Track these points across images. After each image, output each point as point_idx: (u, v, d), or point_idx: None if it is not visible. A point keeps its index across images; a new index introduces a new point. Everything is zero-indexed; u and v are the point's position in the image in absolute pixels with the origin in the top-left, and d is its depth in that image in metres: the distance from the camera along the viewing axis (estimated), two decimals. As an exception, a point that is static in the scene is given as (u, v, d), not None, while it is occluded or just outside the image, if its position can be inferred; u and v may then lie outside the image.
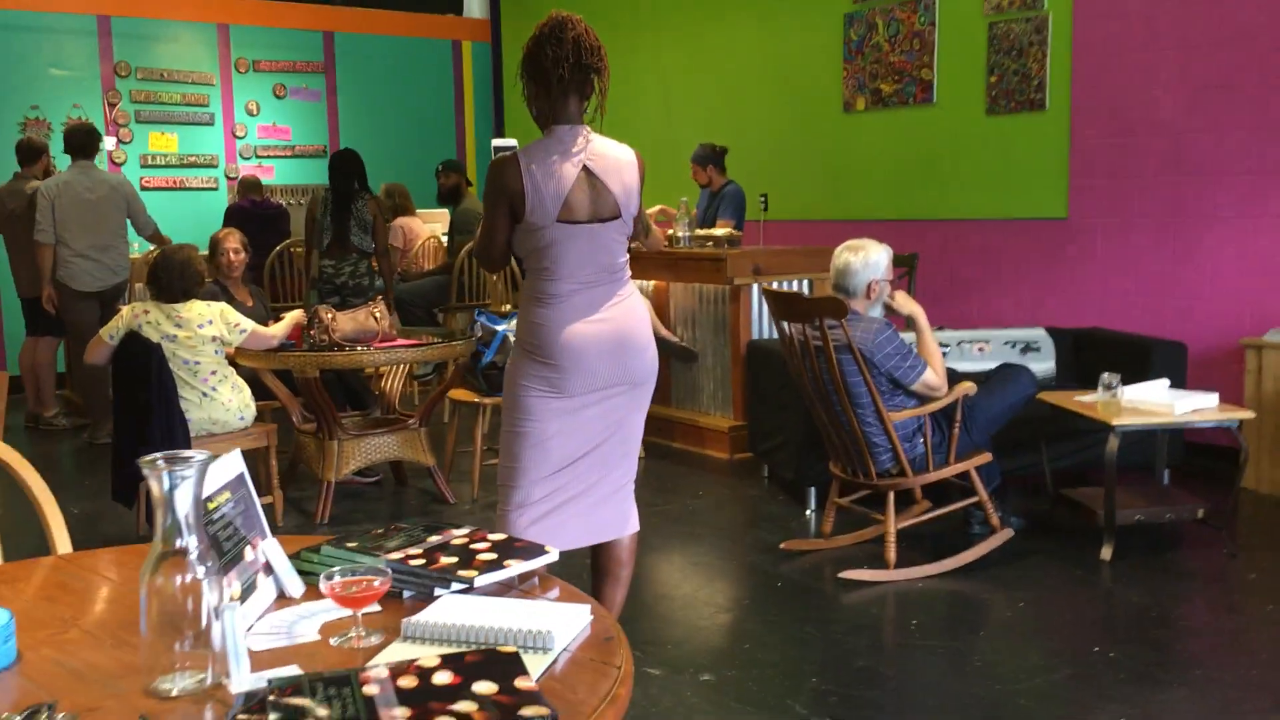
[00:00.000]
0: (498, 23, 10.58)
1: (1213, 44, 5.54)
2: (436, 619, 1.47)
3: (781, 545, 4.45)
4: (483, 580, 1.62)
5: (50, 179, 6.78)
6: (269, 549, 1.65)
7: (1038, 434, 4.73)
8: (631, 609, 3.60)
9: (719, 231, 6.41)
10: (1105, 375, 4.37)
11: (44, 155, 7.23)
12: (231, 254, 5.60)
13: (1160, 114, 5.77)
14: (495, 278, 6.95)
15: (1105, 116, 6.01)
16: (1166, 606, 3.87)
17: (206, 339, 4.68)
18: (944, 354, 4.81)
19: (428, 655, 1.34)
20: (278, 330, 4.89)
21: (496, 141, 3.54)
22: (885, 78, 7.12)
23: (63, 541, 2.19)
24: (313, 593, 1.64)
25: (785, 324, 4.16)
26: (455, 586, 1.60)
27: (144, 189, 8.95)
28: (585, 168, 2.89)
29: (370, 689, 1.23)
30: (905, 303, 4.19)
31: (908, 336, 4.30)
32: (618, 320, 2.93)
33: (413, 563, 1.66)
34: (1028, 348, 5.39)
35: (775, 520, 4.91)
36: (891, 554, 4.10)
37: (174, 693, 1.32)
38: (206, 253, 5.78)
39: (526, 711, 1.17)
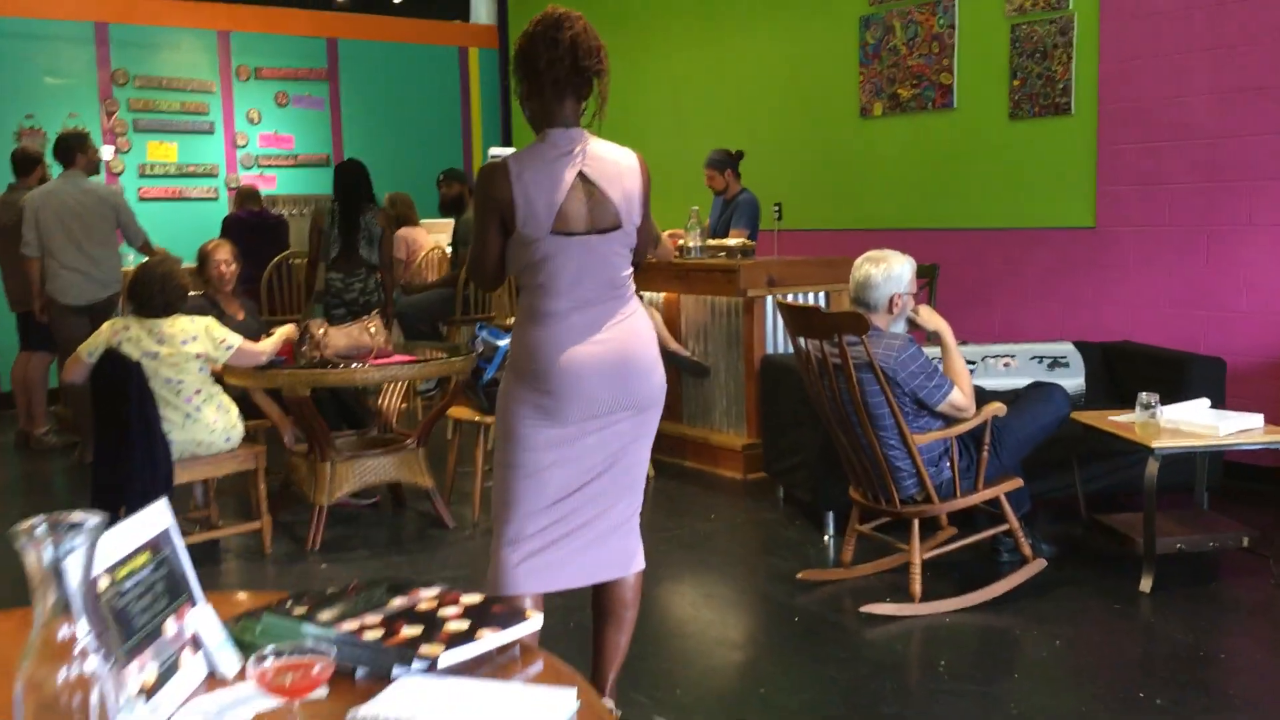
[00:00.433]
0: (505, 29, 10.36)
1: (1247, 44, 5.27)
2: (388, 712, 1.22)
3: (799, 575, 4.18)
4: (449, 657, 1.36)
5: (35, 190, 6.56)
6: (198, 619, 1.40)
7: (1069, 454, 4.46)
8: (638, 646, 3.34)
9: (732, 242, 6.15)
10: (1144, 395, 4.10)
11: (39, 165, 7.02)
12: (222, 266, 5.37)
13: (1192, 118, 5.50)
14: (500, 290, 6.71)
15: (1134, 121, 5.74)
16: (1213, 643, 3.59)
17: (190, 356, 4.44)
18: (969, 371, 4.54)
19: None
20: (266, 346, 4.65)
21: (494, 150, 3.29)
22: (903, 82, 6.87)
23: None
24: (250, 670, 1.39)
25: (802, 340, 3.90)
26: (416, 666, 1.35)
27: (142, 199, 8.75)
28: (581, 174, 2.65)
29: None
30: (930, 318, 3.93)
31: (931, 352, 4.04)
32: (620, 340, 2.68)
33: (368, 634, 1.41)
34: (1055, 363, 5.12)
35: (791, 546, 4.65)
36: (916, 586, 3.84)
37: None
38: (195, 265, 5.57)
39: None
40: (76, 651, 1.07)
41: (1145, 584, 3.95)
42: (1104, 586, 4.05)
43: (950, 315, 4.60)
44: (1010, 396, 4.22)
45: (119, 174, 8.69)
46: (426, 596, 1.55)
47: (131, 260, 7.41)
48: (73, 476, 6.35)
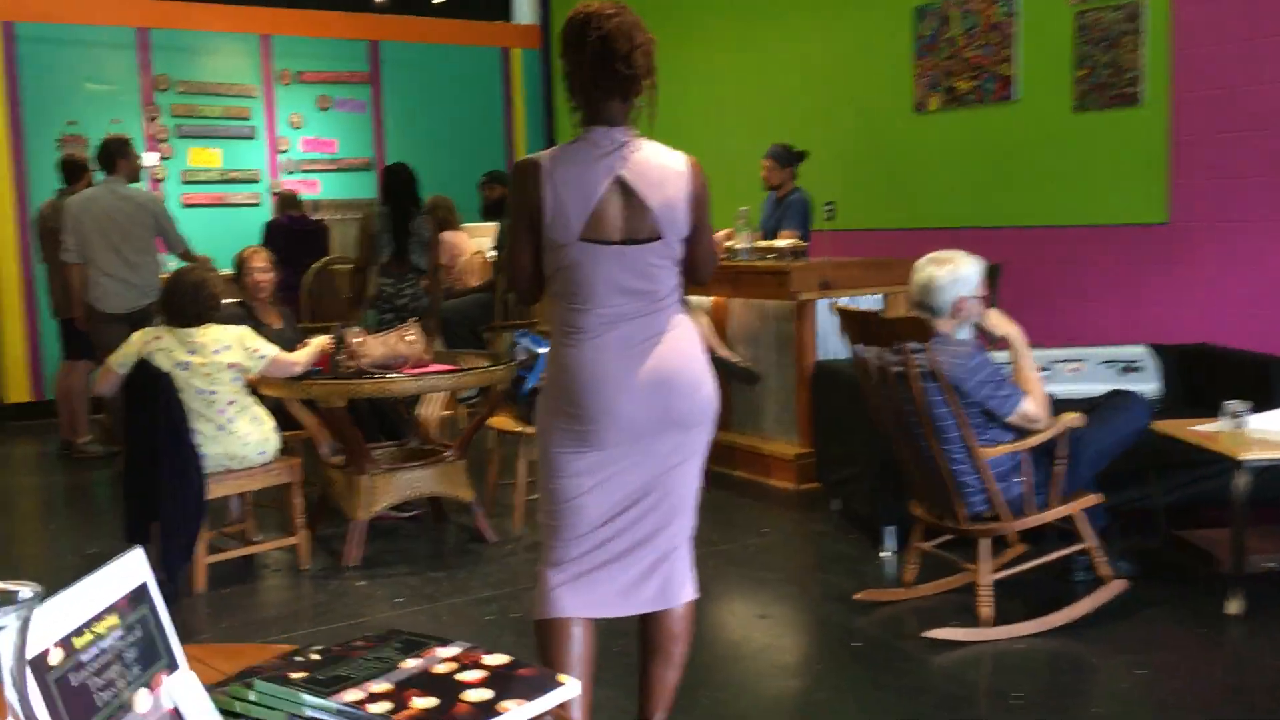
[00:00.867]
0: (547, 29, 10.19)
1: (1334, 27, 4.95)
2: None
3: (857, 596, 3.94)
4: (466, 737, 1.16)
5: (76, 195, 6.48)
6: (178, 689, 1.21)
7: (1147, 465, 4.19)
8: (688, 673, 3.13)
9: (782, 243, 5.93)
10: (1231, 403, 3.82)
11: (87, 172, 6.95)
12: (258, 273, 5.22)
13: (1271, 106, 5.19)
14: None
15: (1208, 110, 5.44)
16: (1311, 673, 3.32)
17: (223, 366, 4.30)
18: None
19: None
20: (301, 357, 4.49)
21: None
22: (961, 74, 6.59)
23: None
24: (238, 748, 1.20)
25: (860, 347, 3.67)
26: (426, 748, 1.14)
27: (185, 206, 8.68)
28: (620, 178, 2.44)
29: None
30: (1001, 322, 3.68)
31: (998, 356, 3.79)
32: (660, 358, 2.46)
33: (375, 706, 1.21)
34: (1129, 367, 4.84)
35: (848, 563, 4.41)
36: (985, 609, 3.58)
37: None
38: (232, 272, 5.44)
39: None
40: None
41: (1233, 606, 3.67)
42: (1188, 609, 3.78)
43: (1012, 317, 4.33)
44: (1082, 404, 3.95)
45: (162, 180, 8.62)
46: (444, 656, 1.35)
47: (172, 269, 7.32)
48: (114, 486, 6.23)
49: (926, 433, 3.53)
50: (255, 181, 8.99)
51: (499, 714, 1.20)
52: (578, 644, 2.53)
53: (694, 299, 5.99)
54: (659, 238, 2.44)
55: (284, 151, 9.12)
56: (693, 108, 8.45)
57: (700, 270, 2.60)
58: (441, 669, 1.31)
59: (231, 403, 4.34)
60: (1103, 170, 5.93)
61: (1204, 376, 4.80)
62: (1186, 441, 3.84)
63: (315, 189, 9.21)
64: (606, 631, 3.38)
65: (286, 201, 7.83)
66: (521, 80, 10.20)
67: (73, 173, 6.94)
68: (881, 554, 4.46)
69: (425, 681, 1.28)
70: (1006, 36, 6.32)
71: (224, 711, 1.26)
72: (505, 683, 1.28)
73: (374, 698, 1.23)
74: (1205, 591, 3.84)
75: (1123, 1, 5.73)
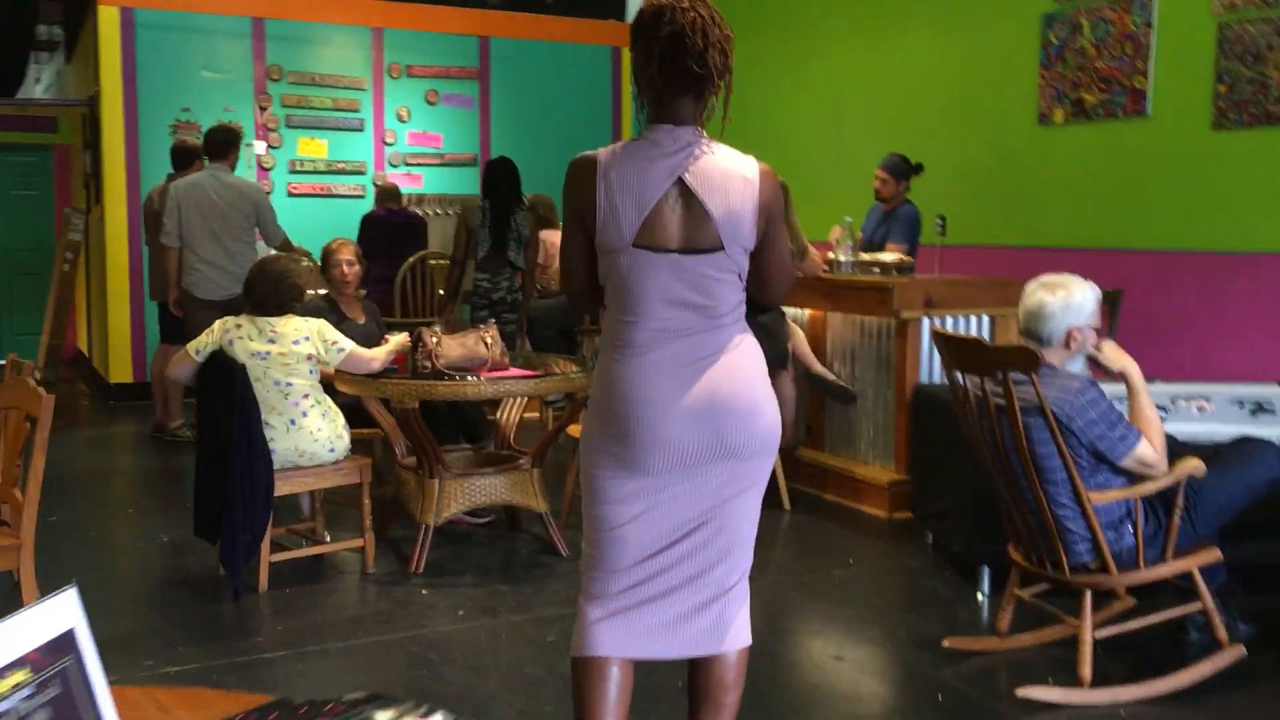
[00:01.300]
0: (662, 29, 9.99)
1: None
2: None
3: (945, 643, 3.65)
4: None
5: (180, 180, 6.52)
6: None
7: (1272, 516, 3.80)
8: (753, 717, 2.90)
9: (887, 257, 5.63)
10: (1379, 457, 3.42)
11: (198, 160, 7.00)
12: (345, 266, 5.14)
13: None
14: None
15: (1365, 132, 4.99)
16: None
17: (301, 357, 4.21)
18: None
19: None
20: (379, 354, 4.38)
21: None
22: (1089, 86, 6.21)
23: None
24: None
25: (959, 375, 3.38)
26: None
27: (290, 195, 8.73)
28: (681, 180, 2.23)
29: None
30: (1116, 356, 3.36)
31: (1111, 389, 3.47)
32: (714, 380, 2.25)
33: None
34: (1260, 408, 4.43)
35: (939, 604, 4.12)
36: (1086, 668, 3.26)
37: None
38: (319, 264, 5.38)
39: None
40: None
41: (1370, 685, 3.29)
42: (1317, 683, 3.41)
43: (1135, 348, 3.98)
44: (1205, 448, 3.60)
45: (270, 169, 8.68)
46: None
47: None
48: (199, 473, 6.26)
49: (1028, 473, 3.23)
50: (361, 173, 8.99)
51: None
52: (614, 685, 2.34)
53: (790, 311, 5.73)
54: (720, 248, 2.24)
55: (390, 144, 9.11)
56: (809, 111, 8.17)
57: (770, 287, 2.40)
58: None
59: (306, 396, 4.25)
60: (1242, 193, 5.50)
61: (1346, 423, 4.38)
62: (1324, 497, 3.46)
63: (419, 183, 9.18)
64: (644, 667, 3.17)
65: (385, 194, 7.79)
66: (632, 80, 10.02)
67: (183, 159, 6.99)
68: (978, 597, 4.16)
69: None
70: (1141, 47, 5.92)
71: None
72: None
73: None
74: (1338, 665, 3.46)
75: (1272, 14, 5.30)
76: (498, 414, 5.05)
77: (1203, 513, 3.31)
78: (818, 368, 5.58)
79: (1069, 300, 3.27)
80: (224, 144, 6.46)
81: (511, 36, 9.45)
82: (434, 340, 4.30)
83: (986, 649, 3.63)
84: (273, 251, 6.64)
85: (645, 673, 2.72)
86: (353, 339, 4.40)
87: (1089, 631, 3.28)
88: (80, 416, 8.42)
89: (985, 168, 6.85)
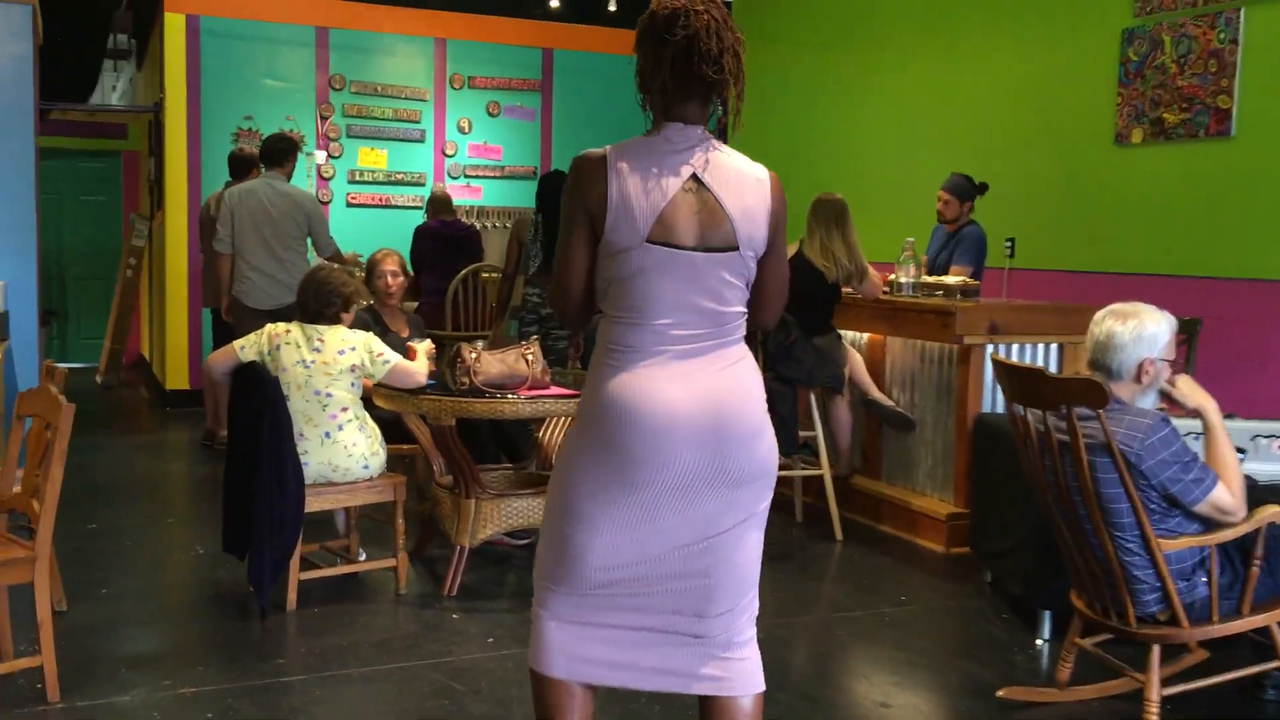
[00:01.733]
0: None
1: None
2: None
3: (1000, 693, 3.42)
4: None
5: (234, 188, 6.49)
6: None
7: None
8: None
9: (951, 280, 5.41)
10: None
11: (255, 168, 6.99)
12: (389, 277, 5.05)
13: None
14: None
15: None
16: None
17: (345, 368, 4.11)
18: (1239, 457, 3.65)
19: None
20: (423, 367, 4.27)
21: None
22: (1170, 105, 5.92)
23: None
24: None
25: (1020, 408, 3.16)
26: None
27: (350, 205, 8.71)
28: (696, 176, 2.13)
29: None
30: (1191, 391, 3.11)
31: (1185, 426, 3.23)
32: (718, 392, 2.12)
33: None
34: (1349, 450, 4.14)
35: (996, 648, 3.88)
36: (1151, 729, 3.02)
37: None
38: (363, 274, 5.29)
39: None
40: None
41: None
42: None
43: (1213, 382, 3.72)
44: (1289, 493, 3.34)
45: (329, 179, 8.66)
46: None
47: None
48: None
49: (1093, 516, 3.00)
50: (420, 184, 8.94)
51: None
52: (576, 704, 2.21)
53: (848, 334, 5.53)
54: (734, 248, 2.14)
55: (450, 156, 9.05)
56: (875, 129, 7.95)
57: (768, 305, 2.29)
58: None
59: (345, 409, 4.15)
60: (1332, 220, 5.19)
61: None
62: None
63: (478, 195, 9.11)
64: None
65: (437, 205, 7.70)
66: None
67: (240, 167, 6.98)
68: (1038, 643, 3.91)
69: None
70: (1226, 65, 5.63)
71: None
72: None
73: None
74: None
75: (1370, 28, 5.00)
76: (541, 432, 4.91)
77: (1285, 564, 3.05)
78: (875, 393, 5.37)
79: (1141, 330, 3.04)
80: (280, 152, 6.42)
81: (573, 49, 9.35)
82: (473, 356, 4.17)
83: (1045, 700, 3.39)
84: (323, 259, 6.59)
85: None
86: (395, 352, 4.30)
87: (1156, 688, 3.04)
88: (137, 422, 8.46)
89: (1057, 189, 6.57)
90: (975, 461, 4.71)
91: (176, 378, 8.44)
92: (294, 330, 4.19)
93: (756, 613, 2.29)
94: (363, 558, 4.52)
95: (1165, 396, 3.15)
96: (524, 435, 5.10)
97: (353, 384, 4.18)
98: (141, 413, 8.81)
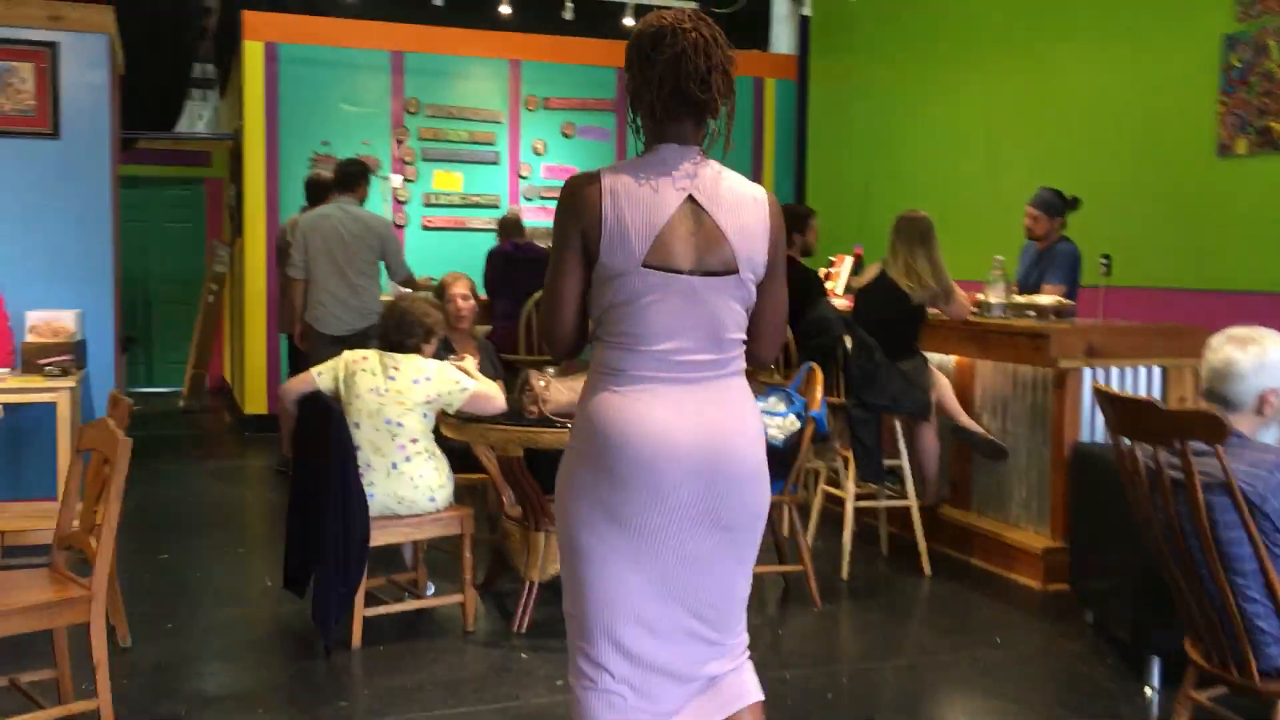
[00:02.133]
0: (805, 59, 9.65)
1: None
2: None
3: (1105, 750, 3.16)
4: None
5: (308, 213, 6.46)
6: None
7: None
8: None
9: (1044, 299, 5.13)
10: None
11: (331, 193, 6.96)
12: (459, 300, 4.94)
13: None
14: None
15: None
16: None
17: (420, 400, 4.00)
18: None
19: None
20: (499, 391, 4.14)
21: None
22: (1277, 114, 5.58)
23: None
24: None
25: (1127, 441, 2.91)
26: None
27: (425, 229, 8.68)
28: (691, 197, 2.07)
29: None
30: (1319, 425, 2.84)
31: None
32: (717, 427, 2.06)
33: None
34: None
35: (1100, 697, 3.61)
36: (1279, 796, 2.74)
37: None
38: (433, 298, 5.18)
39: None
40: None
41: None
42: None
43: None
44: None
45: (405, 202, 8.64)
46: None
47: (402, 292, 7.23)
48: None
49: (1210, 560, 2.73)
50: (495, 207, 8.88)
51: None
52: None
53: (934, 357, 5.27)
54: (734, 271, 2.08)
55: (525, 178, 8.98)
56: (961, 141, 7.68)
57: (766, 336, 2.21)
58: None
59: (415, 440, 4.03)
60: None
61: None
62: None
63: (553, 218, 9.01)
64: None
65: (509, 227, 7.60)
66: (774, 111, 9.70)
67: (316, 192, 6.96)
68: (1146, 691, 3.63)
69: None
70: (1340, 68, 5.28)
71: None
72: None
73: None
74: None
75: None
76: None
77: None
78: (964, 420, 5.11)
79: (1263, 358, 2.78)
80: (352, 176, 6.38)
81: (650, 68, 9.22)
82: (542, 384, 4.03)
83: (1156, 759, 3.13)
84: (397, 285, 6.52)
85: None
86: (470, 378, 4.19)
87: (1284, 751, 2.75)
88: (215, 447, 8.50)
89: (1156, 202, 6.25)
90: (1074, 493, 4.44)
91: (255, 403, 8.46)
92: (371, 358, 4.10)
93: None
94: (430, 592, 4.40)
95: (1290, 430, 2.88)
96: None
97: (425, 415, 4.07)
98: (221, 438, 8.86)
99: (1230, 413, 2.80)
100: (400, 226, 8.52)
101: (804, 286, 5.59)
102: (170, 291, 11.36)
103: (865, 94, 8.68)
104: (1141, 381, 4.81)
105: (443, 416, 4.14)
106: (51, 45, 5.70)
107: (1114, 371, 4.75)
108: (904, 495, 4.99)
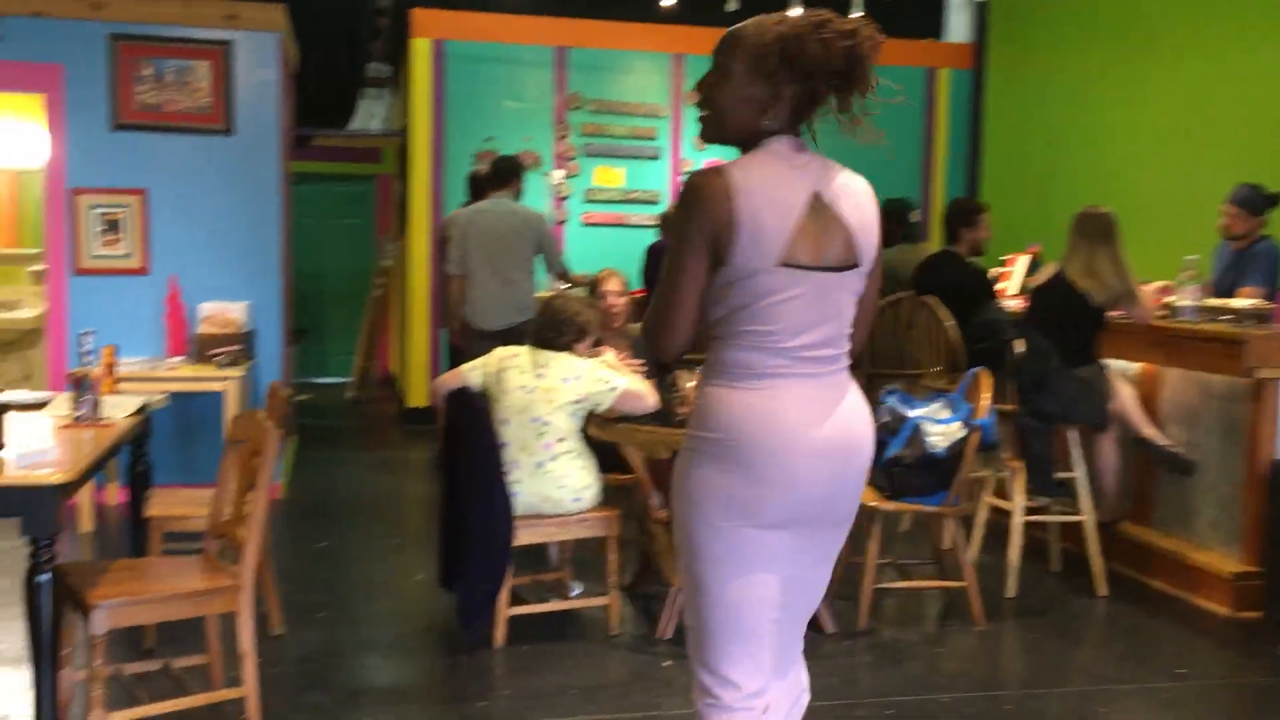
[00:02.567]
0: (982, 48, 9.23)
1: None
2: None
3: (1305, 805, 2.84)
4: None
5: (465, 209, 6.50)
6: None
7: None
8: None
9: (1241, 303, 4.72)
10: None
11: (489, 189, 7.01)
12: (611, 297, 4.86)
13: None
14: (927, 338, 5.64)
15: None
16: None
17: (569, 399, 3.93)
18: None
19: None
20: (650, 388, 4.04)
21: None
22: None
23: None
24: None
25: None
26: None
27: (585, 224, 8.66)
28: (816, 193, 2.02)
29: None
30: None
31: None
32: (845, 420, 2.04)
33: None
34: None
35: (1297, 742, 3.27)
36: None
37: None
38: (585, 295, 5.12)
39: None
40: None
41: None
42: None
43: None
44: None
45: (565, 198, 8.65)
46: None
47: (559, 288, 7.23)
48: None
49: None
50: (655, 203, 8.80)
51: None
52: None
53: (1115, 363, 4.92)
54: (855, 265, 2.05)
55: (686, 174, 8.87)
56: (1145, 133, 7.20)
57: (862, 327, 2.16)
58: None
59: (562, 440, 3.96)
60: None
61: None
62: None
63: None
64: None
65: (668, 223, 7.50)
66: (947, 103, 9.32)
67: (477, 188, 7.00)
68: (1348, 737, 3.28)
69: None
70: None
71: None
72: None
73: None
74: None
75: None
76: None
77: None
78: (1148, 431, 4.74)
79: None
80: (507, 172, 6.39)
81: (815, 60, 8.98)
82: (690, 384, 3.90)
83: (1365, 820, 2.79)
84: (553, 279, 6.50)
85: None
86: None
87: None
88: (379, 438, 8.69)
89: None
90: (1271, 513, 4.07)
91: (417, 395, 8.61)
92: (522, 355, 4.06)
93: None
94: (576, 593, 4.33)
95: None
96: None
97: (573, 415, 3.99)
98: (385, 429, 9.05)
99: None
100: (560, 222, 8.53)
101: (972, 287, 5.32)
102: (343, 285, 11.71)
103: (1047, 83, 8.24)
104: (1352, 394, 4.38)
105: (591, 416, 4.06)
106: (226, 44, 5.88)
107: (1319, 382, 4.33)
108: (1077, 509, 4.68)
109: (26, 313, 7.13)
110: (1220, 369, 4.45)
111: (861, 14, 2.09)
